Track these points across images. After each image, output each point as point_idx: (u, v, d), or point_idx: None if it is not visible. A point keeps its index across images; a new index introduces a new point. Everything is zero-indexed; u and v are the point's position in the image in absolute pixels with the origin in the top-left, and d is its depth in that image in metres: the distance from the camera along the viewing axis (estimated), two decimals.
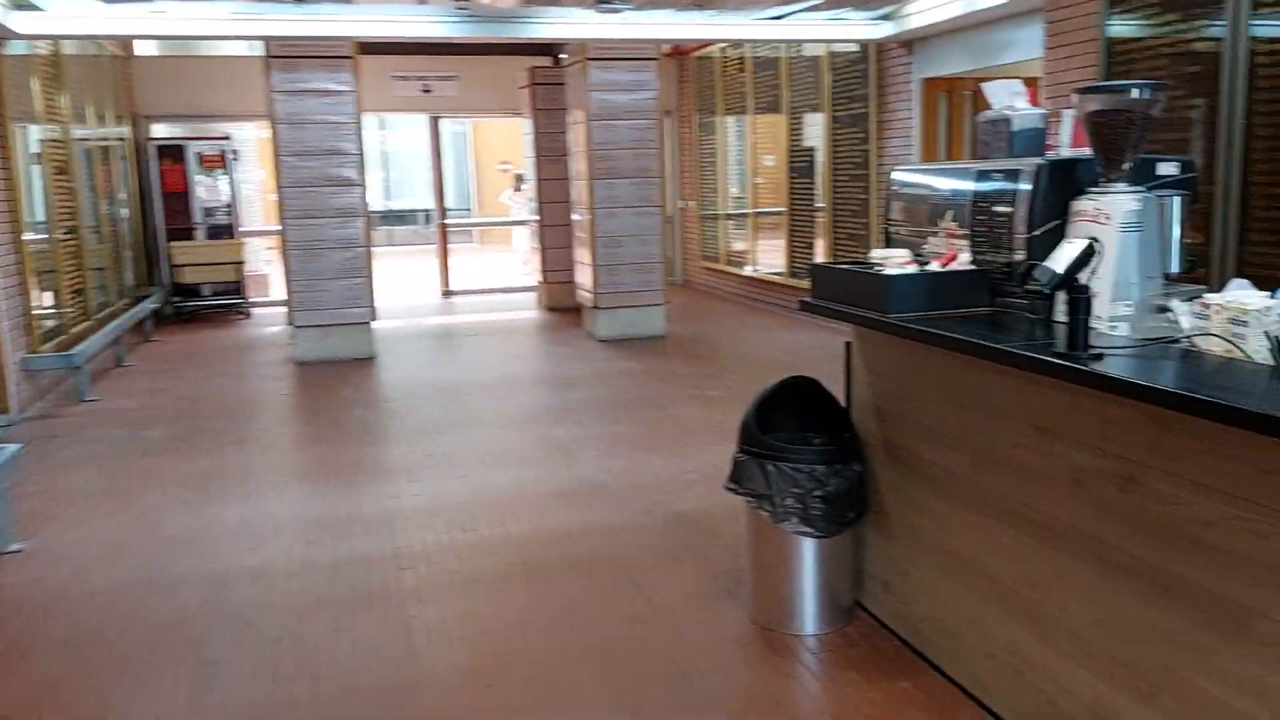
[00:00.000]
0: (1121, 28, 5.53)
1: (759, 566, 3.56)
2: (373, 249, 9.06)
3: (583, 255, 9.86)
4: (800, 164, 10.55)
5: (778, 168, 10.99)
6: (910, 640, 3.29)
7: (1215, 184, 4.82)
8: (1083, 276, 2.31)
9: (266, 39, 8.18)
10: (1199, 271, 3.98)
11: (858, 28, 8.46)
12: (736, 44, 11.21)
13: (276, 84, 8.38)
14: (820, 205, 10.14)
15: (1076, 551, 2.48)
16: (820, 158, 10.10)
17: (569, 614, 3.65)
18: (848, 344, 3.58)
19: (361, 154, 8.69)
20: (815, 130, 10.20)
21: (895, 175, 3.62)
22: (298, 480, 5.46)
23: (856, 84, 9.29)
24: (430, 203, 14.78)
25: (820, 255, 10.16)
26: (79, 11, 7.15)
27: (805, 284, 10.20)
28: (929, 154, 8.47)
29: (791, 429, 3.60)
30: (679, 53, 12.91)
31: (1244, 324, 2.22)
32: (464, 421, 6.59)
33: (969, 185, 3.13)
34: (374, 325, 8.96)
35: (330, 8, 7.58)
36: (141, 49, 10.92)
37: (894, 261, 3.22)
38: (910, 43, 8.43)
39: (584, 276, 9.86)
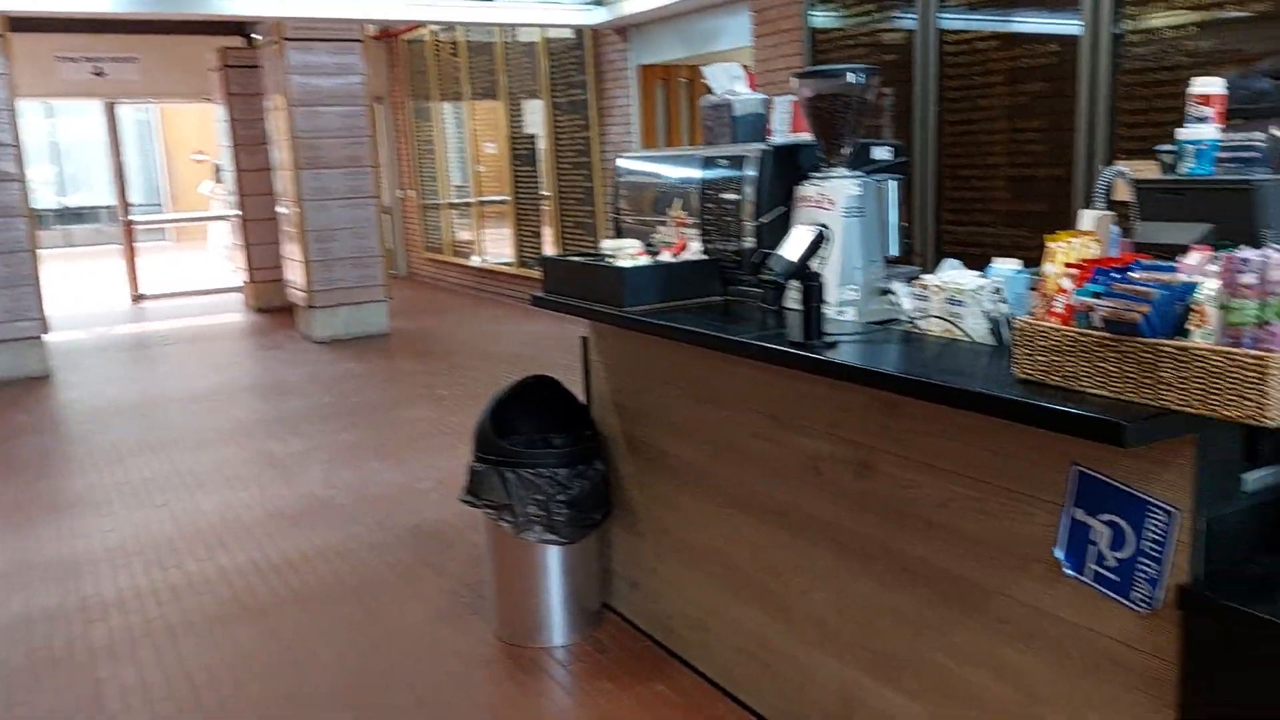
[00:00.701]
0: (823, 19, 5.78)
1: (502, 580, 3.37)
2: (44, 251, 7.95)
3: (292, 251, 9.17)
4: (522, 151, 10.38)
5: (500, 155, 10.77)
6: (662, 639, 3.22)
7: (914, 168, 5.13)
8: (814, 264, 2.29)
9: None
10: (912, 254, 4.19)
11: (572, 13, 8.39)
12: (448, 27, 10.85)
13: None
14: (545, 193, 10.03)
15: (816, 539, 2.47)
16: (542, 145, 9.98)
17: (297, 653, 3.29)
18: (584, 338, 3.46)
19: (20, 145, 7.57)
20: (536, 117, 10.06)
21: (620, 163, 3.53)
22: None
23: (574, 70, 9.24)
24: (113, 198, 13.28)
25: (548, 244, 10.06)
26: None
27: (536, 274, 10.14)
28: (649, 140, 8.57)
29: (530, 430, 3.43)
30: (387, 35, 12.35)
31: (961, 304, 2.28)
32: (163, 442, 5.90)
33: (696, 172, 3.07)
34: (47, 339, 7.88)
35: None
36: None
37: (626, 253, 3.11)
38: (625, 29, 8.47)
39: (295, 274, 9.19)
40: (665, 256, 3.08)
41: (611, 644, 3.27)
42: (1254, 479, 1.66)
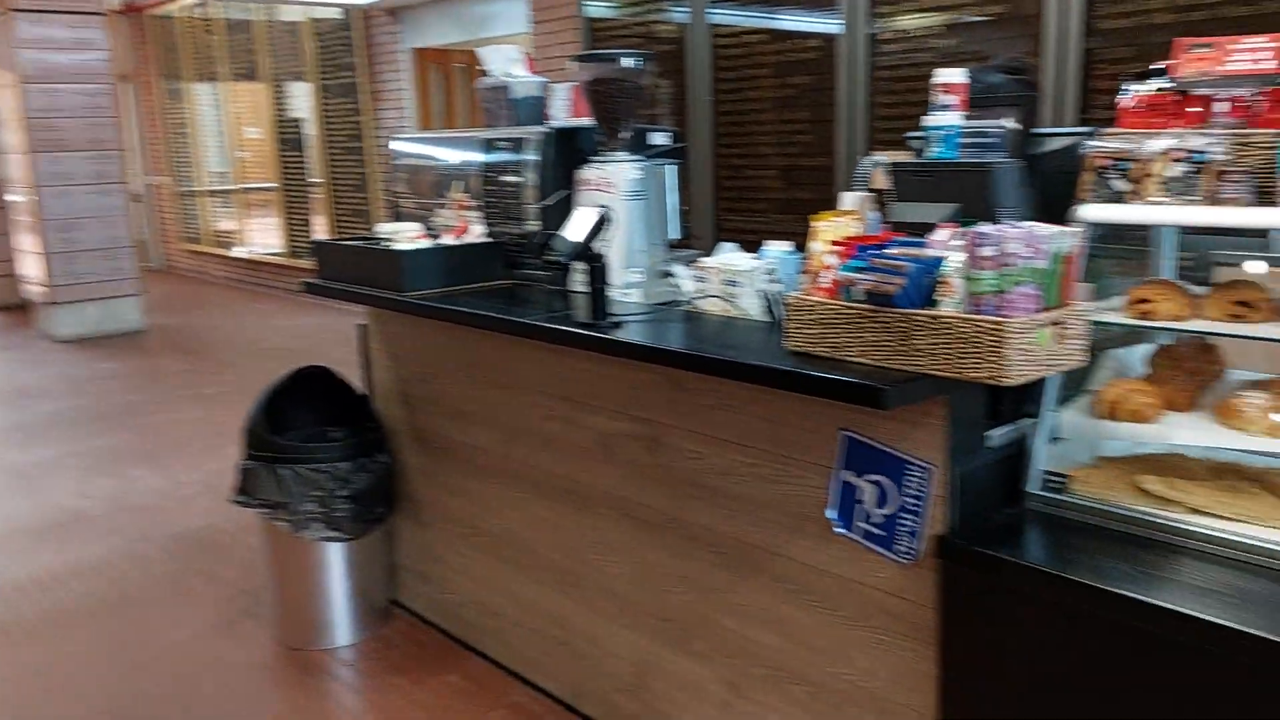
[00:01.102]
0: (599, 9, 5.84)
1: (282, 582, 3.22)
2: None
3: (28, 242, 8.35)
4: (289, 136, 9.90)
5: (264, 140, 10.22)
6: (453, 630, 3.18)
7: (691, 157, 5.29)
8: (598, 245, 2.32)
9: None
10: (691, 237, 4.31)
11: None
12: (201, 2, 10.18)
13: None
14: (316, 179, 9.62)
15: (609, 515, 2.52)
16: (311, 129, 9.56)
17: (56, 680, 3.01)
18: (362, 326, 3.35)
19: None
20: (303, 101, 9.62)
21: (395, 146, 3.44)
22: None
23: (343, 52, 8.89)
24: None
25: (320, 233, 9.66)
26: None
27: (308, 264, 9.71)
28: (426, 125, 8.39)
29: (307, 425, 3.29)
30: (133, 9, 11.44)
31: (737, 284, 2.38)
32: None
33: (476, 155, 3.04)
34: None
35: None
36: None
37: (405, 236, 3.04)
38: (397, 11, 8.24)
39: (32, 267, 8.36)
40: (447, 240, 3.03)
41: (401, 640, 3.20)
42: (997, 435, 1.83)
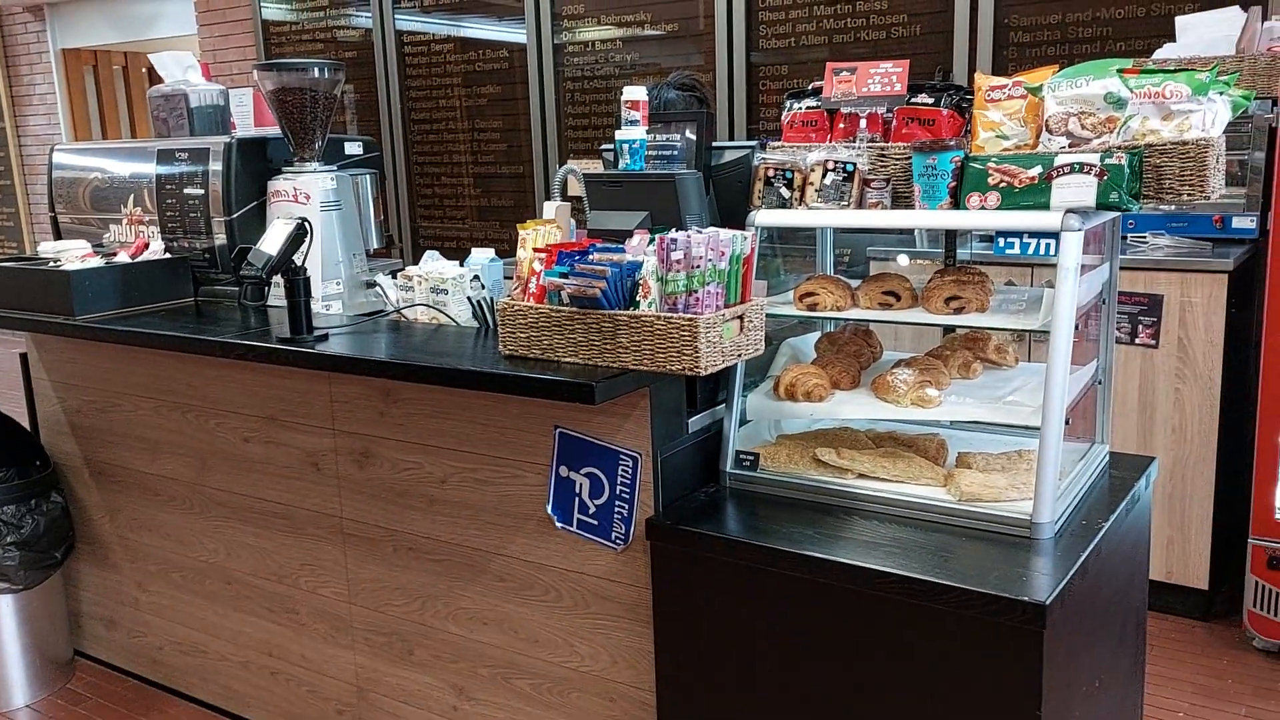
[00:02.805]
0: (276, 12, 5.60)
1: None
2: None
3: None
4: None
5: None
6: (148, 675, 2.96)
7: (385, 165, 5.21)
8: (296, 258, 2.26)
9: None
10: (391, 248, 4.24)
11: None
12: None
13: None
14: None
15: (320, 534, 2.46)
16: None
17: None
18: (23, 355, 3.03)
19: None
20: None
21: (58, 158, 3.14)
22: None
23: None
24: None
25: None
26: None
27: None
28: (81, 133, 7.64)
29: None
30: None
31: (445, 292, 2.41)
32: None
33: (151, 167, 2.84)
34: None
35: None
36: None
37: (72, 255, 2.79)
38: (40, 8, 7.43)
39: None
40: (122, 258, 2.81)
41: (88, 693, 2.93)
42: (694, 421, 1.99)
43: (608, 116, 4.61)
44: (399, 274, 2.53)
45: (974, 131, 1.85)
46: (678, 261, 1.73)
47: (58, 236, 3.06)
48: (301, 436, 2.43)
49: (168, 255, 2.80)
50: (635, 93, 2.03)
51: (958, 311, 1.85)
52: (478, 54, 4.97)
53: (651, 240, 1.80)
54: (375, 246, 2.81)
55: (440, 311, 2.40)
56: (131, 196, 2.92)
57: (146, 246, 2.85)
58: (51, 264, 2.76)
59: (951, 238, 2.13)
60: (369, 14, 5.21)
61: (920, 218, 1.87)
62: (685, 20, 4.38)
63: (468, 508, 2.17)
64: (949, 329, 2.12)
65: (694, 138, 2.19)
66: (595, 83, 4.64)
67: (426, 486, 2.23)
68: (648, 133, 2.13)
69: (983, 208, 1.76)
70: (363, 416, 2.31)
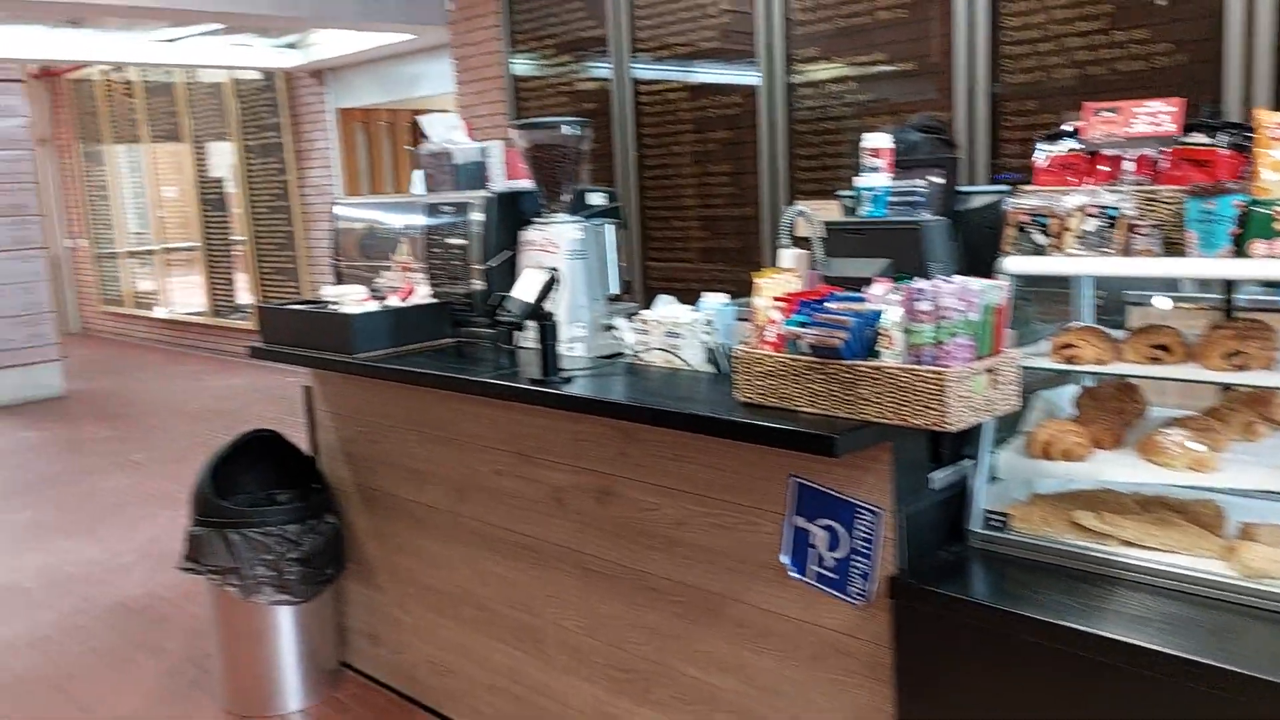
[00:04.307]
0: (523, 67, 5.96)
1: (230, 649, 3.18)
2: None
3: None
4: (211, 196, 9.81)
5: (186, 199, 10.10)
6: (406, 690, 3.16)
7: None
8: (547, 304, 2.39)
9: None
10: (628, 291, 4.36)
11: (264, 54, 8.07)
12: (118, 66, 10.06)
13: None
14: (239, 238, 9.53)
15: (564, 567, 2.56)
16: (233, 189, 9.48)
17: None
18: (308, 389, 3.35)
19: None
20: (224, 160, 9.55)
21: (338, 210, 3.47)
22: None
23: (267, 113, 8.87)
24: None
25: (244, 291, 9.55)
26: None
27: (233, 324, 9.59)
28: (352, 185, 8.39)
29: (254, 488, 3.27)
30: (49, 74, 11.26)
31: (679, 336, 2.47)
32: None
33: (420, 219, 3.09)
34: None
35: None
36: None
37: (351, 299, 3.07)
38: (321, 73, 8.27)
39: None
40: (393, 301, 3.07)
41: (353, 703, 3.18)
42: (939, 477, 1.93)
43: (839, 157, 4.58)
44: (635, 318, 2.62)
45: (1256, 172, 1.71)
46: (925, 312, 1.69)
47: (338, 281, 3.38)
48: (548, 472, 2.55)
49: (432, 299, 3.03)
50: (878, 140, 2.02)
51: (1240, 368, 1.71)
52: (709, 98, 5.07)
53: (896, 289, 1.78)
54: (615, 291, 2.91)
55: (675, 355, 2.46)
56: (402, 245, 3.18)
57: (413, 291, 3.09)
58: (332, 307, 3.05)
59: (1229, 286, 1.96)
60: (607, 65, 5.44)
61: (1199, 266, 1.73)
62: (921, 57, 4.29)
63: (705, 551, 2.20)
64: (1227, 386, 1.95)
65: (940, 182, 2.14)
66: (827, 124, 4.63)
67: (665, 528, 2.29)
68: (891, 178, 2.11)
69: (1272, 256, 1.61)
70: (604, 455, 2.40)
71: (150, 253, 10.99)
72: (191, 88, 9.61)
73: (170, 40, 7.63)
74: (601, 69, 5.50)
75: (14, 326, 7.97)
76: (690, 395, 2.23)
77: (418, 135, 3.39)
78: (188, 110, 9.73)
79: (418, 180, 3.26)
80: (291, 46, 7.97)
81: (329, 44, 7.62)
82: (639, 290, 5.31)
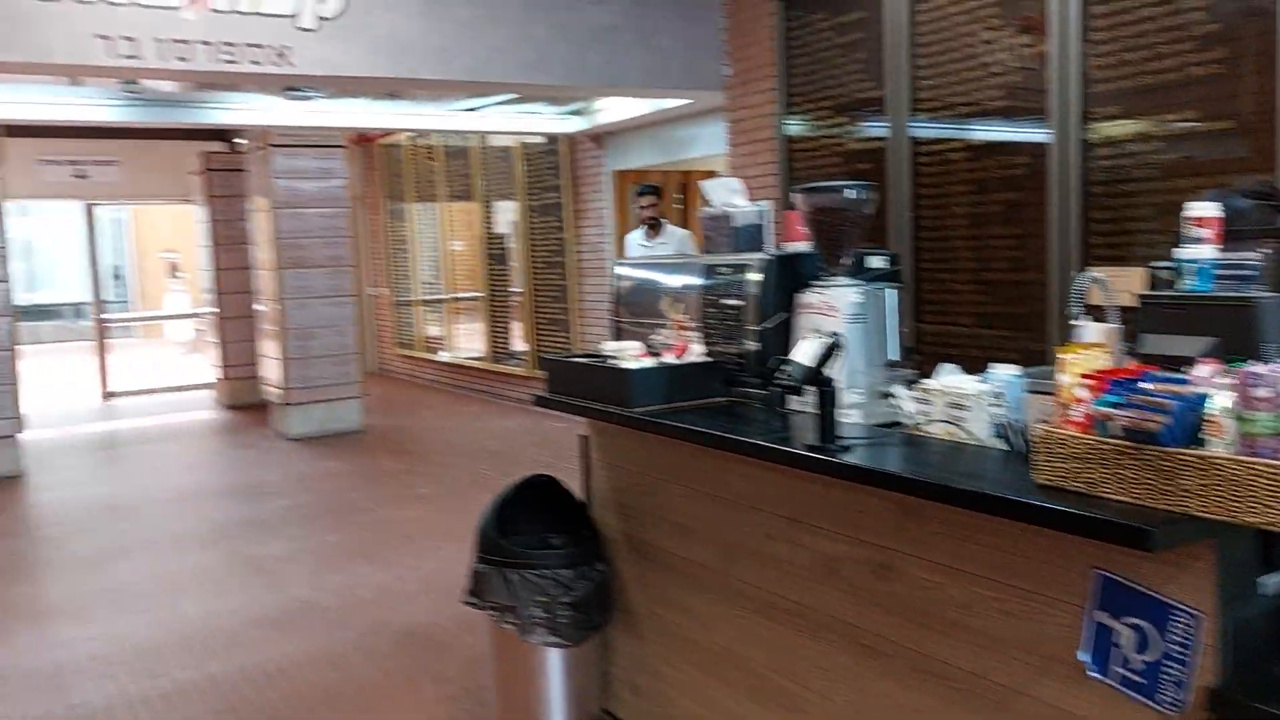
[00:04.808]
0: (796, 127, 6.02)
1: (504, 683, 3.34)
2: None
3: (269, 348, 9.19)
4: (495, 250, 10.56)
5: (473, 254, 10.93)
6: None
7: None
8: (828, 370, 2.37)
9: None
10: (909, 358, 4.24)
11: (550, 121, 8.65)
12: (423, 133, 11.10)
13: None
14: (517, 290, 10.17)
15: (836, 640, 2.50)
16: (514, 244, 10.16)
17: None
18: (584, 438, 3.50)
19: (5, 245, 7.60)
20: (509, 217, 10.27)
21: (619, 270, 3.63)
22: None
23: (549, 174, 9.47)
24: (79, 295, 13.24)
25: (519, 340, 10.16)
26: None
27: (510, 369, 10.21)
28: (623, 242, 8.76)
29: (530, 531, 3.45)
30: (364, 140, 12.60)
31: (965, 408, 2.37)
32: (140, 544, 5.81)
33: (698, 279, 3.18)
34: (21, 437, 7.77)
35: None
36: None
37: (629, 354, 3.19)
38: (601, 137, 8.74)
39: (271, 370, 9.18)
40: (668, 358, 3.16)
41: None
42: (1271, 582, 1.73)
43: (1138, 221, 4.27)
44: (916, 386, 2.54)
45: None
46: (1263, 399, 1.54)
47: (617, 337, 3.52)
48: (821, 540, 2.52)
49: (706, 358, 3.09)
50: (1205, 208, 1.87)
51: None
52: (992, 158, 4.90)
53: (1226, 371, 1.63)
54: (894, 357, 2.85)
55: (959, 427, 2.37)
56: (679, 304, 3.27)
57: (687, 349, 3.17)
58: (611, 361, 3.18)
59: None
60: (884, 124, 5.38)
61: None
62: (1236, 114, 3.94)
63: (991, 638, 2.09)
64: None
65: (1272, 254, 1.95)
66: (1125, 185, 4.33)
67: (947, 609, 2.19)
68: (1218, 249, 1.94)
69: None
70: (883, 529, 2.33)
71: (439, 301, 11.94)
72: (485, 151, 10.43)
73: (470, 109, 8.34)
74: (877, 128, 5.45)
75: (327, 365, 8.89)
76: (978, 472, 2.13)
77: (694, 198, 3.50)
78: (480, 172, 10.56)
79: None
80: (576, 113, 8.49)
81: (611, 110, 8.05)
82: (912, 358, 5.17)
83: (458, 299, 11.53)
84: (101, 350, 11.82)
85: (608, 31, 6.25)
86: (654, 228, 6.93)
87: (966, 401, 2.37)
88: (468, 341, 11.30)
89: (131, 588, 5.00)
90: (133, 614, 4.62)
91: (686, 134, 7.84)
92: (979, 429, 2.33)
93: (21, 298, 19.89)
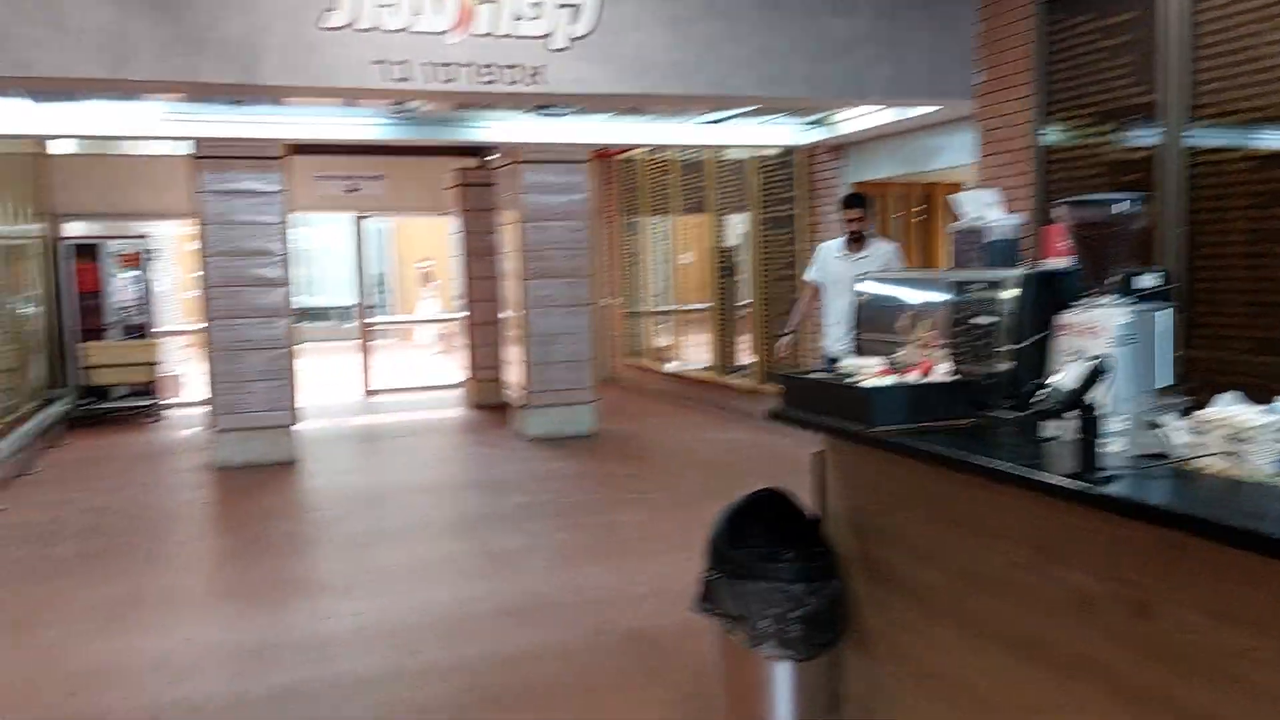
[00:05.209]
0: (1055, 136, 5.72)
1: (732, 693, 3.37)
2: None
3: (513, 353, 9.70)
4: (725, 263, 10.65)
5: (704, 266, 11.07)
6: None
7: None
8: (1091, 395, 2.25)
9: (198, 140, 7.97)
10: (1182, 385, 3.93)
11: (790, 133, 8.65)
12: (661, 147, 11.37)
13: (205, 184, 8.15)
14: (746, 303, 10.21)
15: (1086, 680, 2.36)
16: (745, 257, 10.21)
17: None
18: (818, 454, 3.48)
19: (287, 254, 8.46)
20: (740, 230, 10.34)
21: (862, 286, 3.59)
22: (221, 601, 5.09)
23: (783, 186, 9.46)
24: (345, 300, 14.49)
25: (747, 352, 10.20)
26: (5, 110, 6.82)
27: (735, 382, 10.26)
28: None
29: (758, 543, 3.46)
30: (602, 155, 13.06)
31: (1246, 441, 2.18)
32: (396, 531, 6.28)
33: (946, 295, 3.09)
34: (295, 428, 8.60)
35: (264, 110, 7.43)
36: (57, 146, 10.50)
37: (868, 371, 3.15)
38: (839, 147, 8.64)
39: (513, 374, 9.68)
40: (911, 376, 3.09)
41: None
42: None
43: None
44: (1189, 416, 2.36)
45: None
46: None
47: (857, 353, 3.48)
48: (1072, 574, 2.39)
49: (953, 378, 3.00)
50: None
51: None
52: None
53: None
54: (1165, 384, 2.66)
55: (1238, 461, 2.18)
56: (925, 321, 3.20)
57: (932, 367, 3.09)
58: (850, 378, 3.15)
59: None
60: (1156, 132, 5.01)
61: None
62: None
63: (1267, 693, 1.91)
64: None
65: None
66: None
67: (1215, 658, 2.02)
68: None
69: None
70: (1145, 567, 2.19)
71: (668, 313, 12.18)
72: (719, 165, 10.56)
73: (709, 123, 8.47)
74: (1147, 136, 5.09)
75: (563, 371, 9.29)
76: (1259, 510, 1.96)
77: (936, 212, 3.40)
78: (714, 185, 10.70)
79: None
80: (816, 124, 8.44)
81: (852, 120, 7.94)
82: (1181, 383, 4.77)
83: (687, 310, 11.72)
84: (365, 351, 12.88)
85: (851, 42, 6.19)
86: (857, 241, 6.45)
87: (1249, 434, 2.19)
88: (695, 353, 11.46)
89: (390, 570, 5.42)
90: (391, 595, 5.00)
91: (931, 144, 7.62)
92: (1262, 464, 2.14)
93: (297, 301, 22.09)
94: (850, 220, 6.46)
